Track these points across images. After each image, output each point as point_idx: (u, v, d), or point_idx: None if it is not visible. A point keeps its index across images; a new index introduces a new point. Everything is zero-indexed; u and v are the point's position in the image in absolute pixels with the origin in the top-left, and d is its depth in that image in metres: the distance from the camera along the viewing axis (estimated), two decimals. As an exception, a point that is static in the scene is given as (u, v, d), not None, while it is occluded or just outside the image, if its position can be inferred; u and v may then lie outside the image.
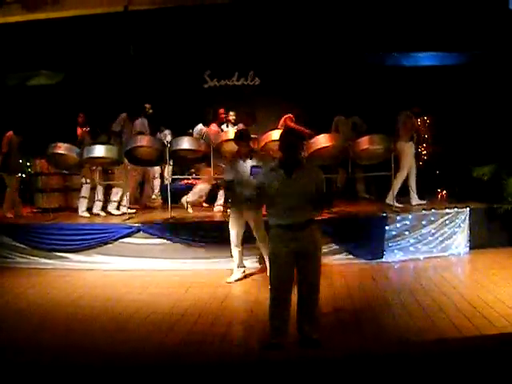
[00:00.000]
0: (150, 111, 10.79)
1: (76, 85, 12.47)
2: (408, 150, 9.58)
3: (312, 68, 12.12)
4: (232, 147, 9.05)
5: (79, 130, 11.07)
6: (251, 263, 8.27)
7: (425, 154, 11.26)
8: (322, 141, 8.97)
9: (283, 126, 10.19)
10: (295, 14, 11.67)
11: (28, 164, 11.80)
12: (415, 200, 9.65)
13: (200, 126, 10.41)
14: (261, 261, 8.11)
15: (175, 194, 9.86)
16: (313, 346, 5.10)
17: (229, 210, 7.83)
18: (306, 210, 5.06)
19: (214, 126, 10.23)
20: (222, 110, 10.47)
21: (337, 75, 11.95)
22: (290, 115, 10.52)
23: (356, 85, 11.54)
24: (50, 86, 12.74)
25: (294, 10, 11.65)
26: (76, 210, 10.25)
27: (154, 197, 11.66)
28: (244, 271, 7.84)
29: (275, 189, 5.02)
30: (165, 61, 12.40)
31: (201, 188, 9.87)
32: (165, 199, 10.54)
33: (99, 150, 9.29)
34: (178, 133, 10.18)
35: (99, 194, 10.07)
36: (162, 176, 11.60)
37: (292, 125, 10.19)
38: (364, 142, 8.97)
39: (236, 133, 7.78)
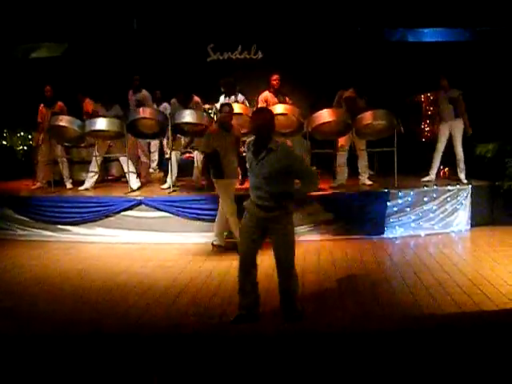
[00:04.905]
0: (137, 83, 10.77)
1: (78, 58, 12.38)
2: None
3: (314, 42, 12.01)
4: (238, 121, 8.99)
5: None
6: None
7: (428, 131, 11.21)
8: (325, 116, 8.90)
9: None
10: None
11: (30, 137, 11.80)
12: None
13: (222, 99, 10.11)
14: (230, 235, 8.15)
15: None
16: (294, 320, 5.15)
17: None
18: (275, 192, 4.97)
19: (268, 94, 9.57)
20: (275, 77, 9.54)
21: (339, 50, 11.85)
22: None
23: (360, 60, 11.44)
24: (52, 58, 12.66)
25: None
26: (79, 183, 10.23)
27: (151, 170, 11.67)
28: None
29: (248, 167, 5.11)
30: (168, 34, 12.31)
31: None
32: (164, 172, 10.55)
33: (101, 123, 9.27)
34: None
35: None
36: (161, 149, 11.57)
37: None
38: (367, 117, 8.92)
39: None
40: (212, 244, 7.93)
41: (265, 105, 9.23)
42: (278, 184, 4.97)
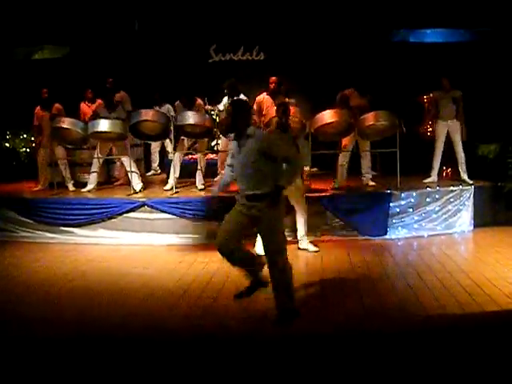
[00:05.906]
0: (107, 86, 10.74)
1: (80, 60, 12.39)
2: None
3: (317, 43, 12.01)
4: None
5: (84, 106, 11.07)
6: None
7: (431, 132, 11.21)
8: (328, 116, 8.89)
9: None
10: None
11: (32, 138, 11.82)
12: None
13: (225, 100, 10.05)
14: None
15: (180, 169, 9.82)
16: (282, 319, 5.10)
17: None
18: (259, 181, 4.93)
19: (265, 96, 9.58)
20: (272, 79, 9.53)
21: (341, 51, 11.86)
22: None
23: (362, 60, 11.45)
24: (54, 60, 12.68)
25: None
26: (82, 184, 10.23)
27: (153, 171, 11.69)
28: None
29: (233, 158, 5.20)
30: (169, 35, 12.32)
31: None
32: (167, 173, 10.56)
33: (103, 125, 9.27)
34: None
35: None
36: (162, 150, 11.59)
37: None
38: (370, 118, 8.90)
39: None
40: (299, 248, 7.95)
41: (258, 107, 9.32)
42: (258, 171, 4.92)
